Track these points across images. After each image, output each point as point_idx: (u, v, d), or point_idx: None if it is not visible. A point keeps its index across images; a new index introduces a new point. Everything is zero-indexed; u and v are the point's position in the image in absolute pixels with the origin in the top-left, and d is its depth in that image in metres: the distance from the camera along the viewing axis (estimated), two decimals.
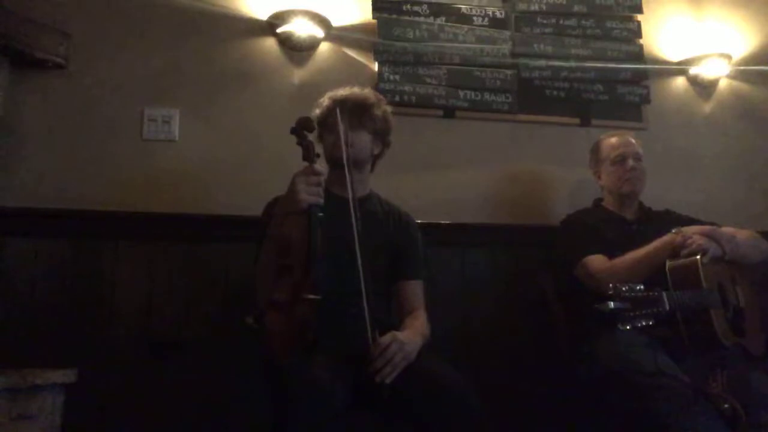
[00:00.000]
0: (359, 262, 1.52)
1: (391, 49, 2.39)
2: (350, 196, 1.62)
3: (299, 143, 1.58)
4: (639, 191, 2.20)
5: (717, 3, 2.82)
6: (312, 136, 1.61)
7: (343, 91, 1.82)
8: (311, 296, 1.43)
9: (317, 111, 1.82)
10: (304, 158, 1.57)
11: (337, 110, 1.65)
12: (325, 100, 1.82)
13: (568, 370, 2.01)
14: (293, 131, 1.58)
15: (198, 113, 2.23)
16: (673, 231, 1.92)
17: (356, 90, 1.83)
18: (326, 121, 1.79)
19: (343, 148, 1.64)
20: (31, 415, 1.64)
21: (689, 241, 1.86)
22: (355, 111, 1.77)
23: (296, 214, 1.49)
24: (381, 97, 1.87)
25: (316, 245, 1.47)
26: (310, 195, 1.49)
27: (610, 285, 1.55)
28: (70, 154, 2.11)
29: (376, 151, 1.84)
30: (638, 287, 1.55)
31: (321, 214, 1.51)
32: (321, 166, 1.57)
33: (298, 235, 1.48)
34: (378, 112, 1.81)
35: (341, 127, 1.63)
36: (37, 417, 1.66)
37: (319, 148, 1.66)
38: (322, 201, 1.52)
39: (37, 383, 1.64)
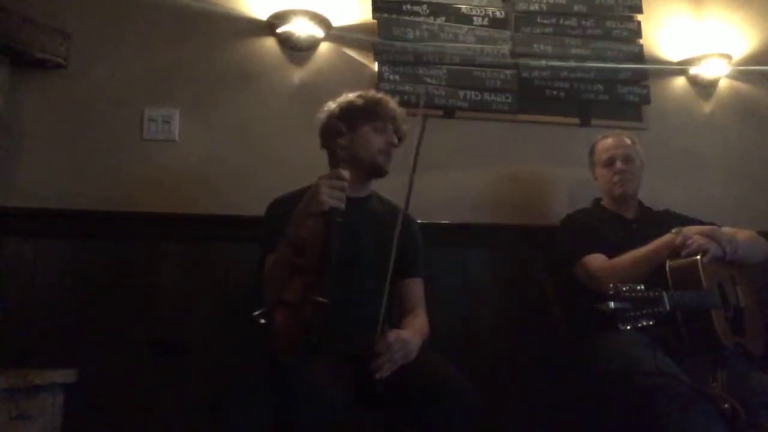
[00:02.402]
0: (391, 264, 1.52)
1: (391, 49, 2.39)
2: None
3: (325, 146, 1.58)
4: (631, 192, 2.20)
5: (717, 3, 2.82)
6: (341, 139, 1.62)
7: (393, 101, 1.83)
8: (320, 299, 1.42)
9: (364, 101, 1.78)
10: (331, 163, 1.58)
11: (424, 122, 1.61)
12: (381, 99, 1.81)
13: (568, 370, 2.01)
14: (322, 135, 1.59)
15: (198, 113, 2.23)
16: (673, 231, 1.92)
17: (394, 103, 1.85)
18: (377, 121, 1.77)
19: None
20: (31, 415, 1.64)
21: (689, 242, 1.86)
22: (400, 127, 1.82)
23: (316, 216, 1.49)
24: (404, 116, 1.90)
25: (332, 249, 1.46)
26: (332, 198, 1.48)
27: (611, 285, 1.55)
28: (70, 154, 2.11)
29: None
30: (639, 287, 1.55)
31: (340, 220, 1.50)
32: (346, 172, 1.55)
33: (315, 237, 1.48)
34: (404, 129, 1.85)
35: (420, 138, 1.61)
36: (37, 417, 1.66)
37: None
38: (343, 206, 1.50)
39: (37, 383, 1.64)
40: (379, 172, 1.79)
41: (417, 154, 1.56)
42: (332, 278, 1.45)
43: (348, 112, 1.77)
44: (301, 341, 1.40)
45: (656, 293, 1.56)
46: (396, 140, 1.79)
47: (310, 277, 1.46)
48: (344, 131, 1.63)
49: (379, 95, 1.84)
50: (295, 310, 1.44)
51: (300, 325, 1.42)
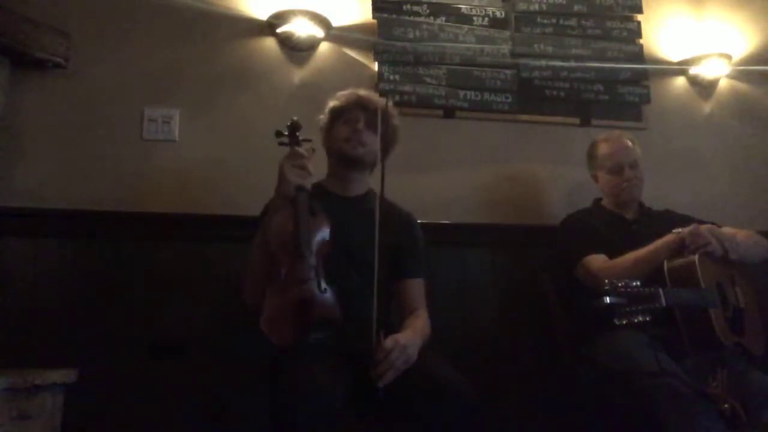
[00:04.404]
0: (376, 265, 1.53)
1: (391, 49, 2.39)
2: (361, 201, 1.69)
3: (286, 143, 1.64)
4: (637, 197, 2.20)
5: (717, 3, 2.82)
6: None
7: (367, 93, 1.86)
8: (303, 276, 1.48)
9: (335, 102, 1.85)
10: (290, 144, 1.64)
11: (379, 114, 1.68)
12: (346, 94, 1.85)
13: (569, 371, 2.01)
14: (285, 133, 1.64)
15: (198, 113, 2.23)
16: (674, 231, 1.92)
17: (376, 96, 1.88)
18: (344, 114, 1.82)
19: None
20: (31, 415, 1.64)
21: (696, 236, 1.85)
22: (376, 115, 1.79)
23: (286, 201, 1.56)
24: (395, 112, 1.90)
25: (302, 227, 1.52)
26: (296, 176, 1.56)
27: (606, 281, 1.55)
28: (70, 154, 2.11)
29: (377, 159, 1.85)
30: (634, 283, 1.55)
31: (316, 202, 1.57)
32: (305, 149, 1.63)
33: (283, 221, 1.54)
34: (395, 122, 1.85)
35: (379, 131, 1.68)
36: (37, 417, 1.66)
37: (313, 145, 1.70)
38: (307, 183, 1.57)
39: (37, 383, 1.64)
40: (346, 159, 1.80)
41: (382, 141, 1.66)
42: (308, 258, 1.51)
43: (329, 114, 1.85)
44: (296, 322, 1.45)
45: (652, 289, 1.56)
46: (361, 126, 1.78)
47: (290, 262, 1.51)
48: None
49: (357, 93, 1.85)
50: (281, 294, 1.49)
51: (290, 306, 1.47)
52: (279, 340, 1.46)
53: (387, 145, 1.82)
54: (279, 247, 1.53)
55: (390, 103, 1.85)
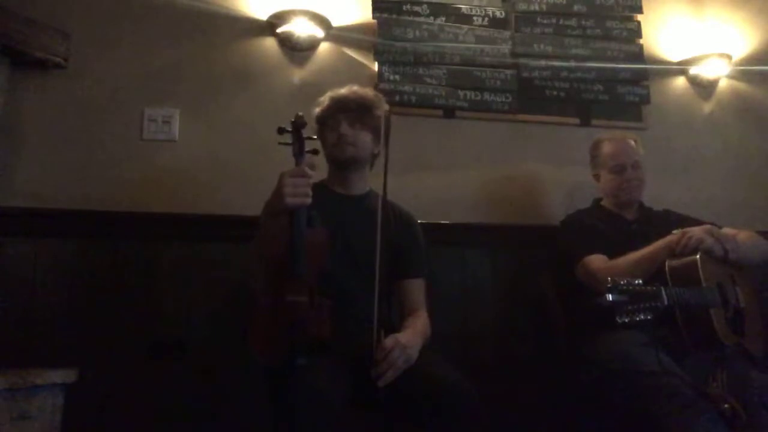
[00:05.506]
0: (377, 264, 1.50)
1: (391, 49, 2.39)
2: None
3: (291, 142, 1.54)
4: (638, 198, 2.20)
5: (717, 3, 2.83)
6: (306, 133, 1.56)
7: (344, 91, 1.82)
8: (295, 299, 1.42)
9: (318, 109, 1.84)
10: (294, 154, 1.53)
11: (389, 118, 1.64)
12: (326, 99, 1.83)
13: (568, 370, 2.01)
14: (289, 130, 1.53)
15: (198, 113, 2.23)
16: (674, 232, 1.92)
17: (357, 89, 1.84)
18: (327, 120, 1.81)
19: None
20: (31, 415, 1.64)
21: (686, 237, 1.85)
22: (358, 111, 1.78)
23: (282, 214, 1.48)
24: (381, 96, 1.87)
25: (298, 246, 1.46)
26: (296, 197, 1.46)
27: (608, 279, 1.55)
28: (70, 154, 2.11)
29: (375, 151, 1.84)
30: (636, 281, 1.55)
31: (314, 212, 1.51)
32: (312, 168, 1.53)
33: (278, 235, 1.48)
34: (379, 112, 1.79)
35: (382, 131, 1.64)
36: (37, 417, 1.66)
37: (311, 145, 1.60)
38: (309, 201, 1.48)
39: (37, 383, 1.64)
40: (339, 162, 1.81)
41: (386, 147, 1.57)
42: (302, 275, 1.44)
43: (316, 122, 1.83)
44: (285, 342, 1.39)
45: (654, 287, 1.56)
46: (344, 129, 1.76)
47: (282, 278, 1.45)
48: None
49: (335, 95, 1.82)
50: (270, 313, 1.46)
51: (277, 326, 1.42)
52: (264, 358, 1.44)
53: (377, 135, 1.77)
54: (273, 263, 1.49)
55: (372, 92, 1.84)
